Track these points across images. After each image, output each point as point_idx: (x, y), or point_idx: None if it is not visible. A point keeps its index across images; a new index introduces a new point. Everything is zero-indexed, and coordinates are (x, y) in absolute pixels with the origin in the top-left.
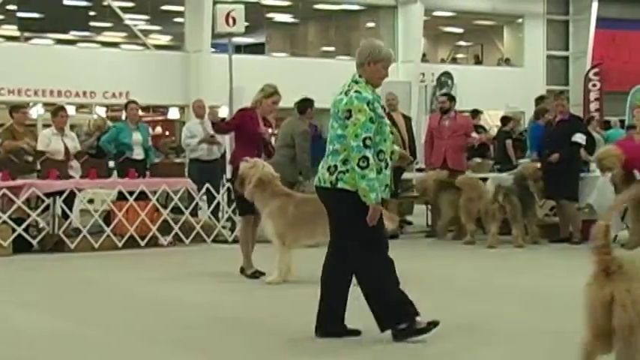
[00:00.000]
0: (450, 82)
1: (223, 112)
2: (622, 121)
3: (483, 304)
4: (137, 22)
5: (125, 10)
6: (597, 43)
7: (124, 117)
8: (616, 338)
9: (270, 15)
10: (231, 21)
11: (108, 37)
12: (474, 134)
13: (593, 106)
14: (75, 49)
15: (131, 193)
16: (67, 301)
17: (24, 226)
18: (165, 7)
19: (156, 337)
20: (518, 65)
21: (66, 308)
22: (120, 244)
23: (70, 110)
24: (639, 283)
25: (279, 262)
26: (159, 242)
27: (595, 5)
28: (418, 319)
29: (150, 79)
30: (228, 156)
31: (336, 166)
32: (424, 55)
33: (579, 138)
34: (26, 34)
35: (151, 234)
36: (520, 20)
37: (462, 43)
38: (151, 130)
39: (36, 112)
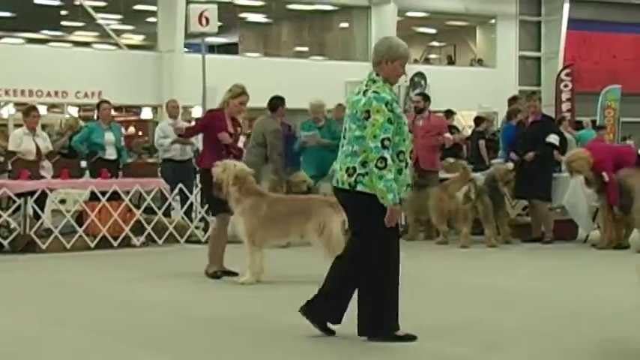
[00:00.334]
0: (423, 82)
1: (197, 112)
2: (594, 122)
3: (457, 304)
4: (109, 21)
5: (97, 9)
6: (569, 44)
7: (96, 117)
8: None
9: (243, 15)
10: (204, 21)
11: (80, 36)
12: (448, 134)
13: (564, 106)
14: (46, 49)
15: (103, 194)
16: (39, 302)
17: None
18: (137, 7)
19: (128, 337)
20: (491, 66)
21: (37, 309)
22: (92, 245)
23: (42, 110)
24: None
25: (251, 262)
26: (132, 243)
27: (567, 6)
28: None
29: (122, 78)
30: None
31: (355, 168)
32: None
33: (553, 139)
34: None
35: (123, 234)
36: (492, 21)
37: (434, 43)
38: (123, 130)
39: (7, 111)
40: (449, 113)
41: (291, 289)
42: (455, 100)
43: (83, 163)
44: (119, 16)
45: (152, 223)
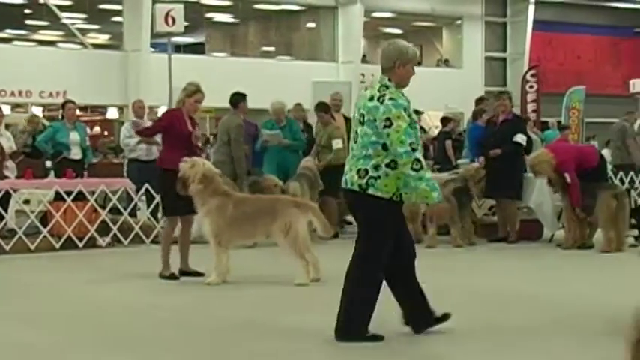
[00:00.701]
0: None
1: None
2: (559, 122)
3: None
4: (74, 20)
5: (62, 8)
6: (534, 45)
7: (61, 117)
8: None
9: (209, 15)
10: (170, 20)
11: (44, 35)
12: None
13: (530, 107)
14: (10, 48)
15: (69, 194)
16: (2, 303)
17: None
18: (103, 6)
19: (92, 338)
20: (457, 66)
21: (0, 310)
22: (57, 246)
23: (6, 110)
24: None
25: (217, 262)
26: (97, 243)
27: (531, 8)
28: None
29: (88, 78)
30: None
31: (367, 171)
32: (364, 55)
33: (520, 138)
34: None
35: (89, 235)
36: (459, 22)
37: None
38: (89, 130)
39: None
40: (416, 113)
41: (257, 290)
42: (421, 100)
43: (48, 164)
44: (84, 16)
45: (118, 224)
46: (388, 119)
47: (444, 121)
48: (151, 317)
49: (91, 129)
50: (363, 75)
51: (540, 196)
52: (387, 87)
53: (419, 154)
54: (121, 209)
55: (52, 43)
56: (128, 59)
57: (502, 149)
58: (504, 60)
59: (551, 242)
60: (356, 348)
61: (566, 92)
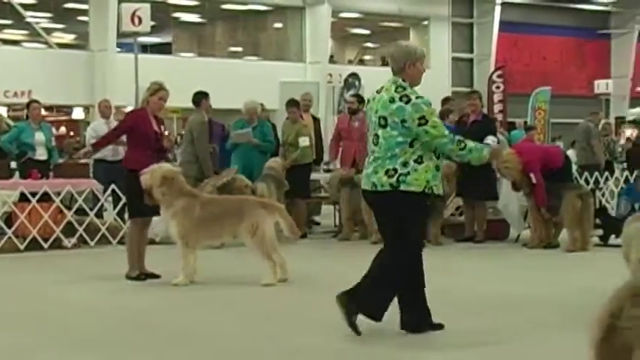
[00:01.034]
0: (357, 83)
1: None
2: (526, 123)
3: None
4: (39, 19)
5: (26, 7)
6: (500, 45)
7: (26, 117)
8: None
9: (176, 14)
10: (136, 20)
11: (9, 34)
12: None
13: (497, 107)
14: None
15: (34, 194)
16: None
17: None
18: (68, 5)
19: (58, 339)
20: (424, 67)
21: None
22: (22, 247)
23: None
24: None
25: (184, 263)
26: (63, 244)
27: (498, 9)
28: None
29: (53, 78)
30: None
31: (395, 169)
32: (332, 56)
33: (491, 140)
34: None
35: (54, 236)
36: (426, 23)
37: (369, 44)
38: (54, 130)
39: None
40: None
41: (224, 290)
42: None
43: (13, 164)
44: (49, 15)
45: (84, 225)
46: (422, 117)
47: None
48: (117, 318)
49: (57, 129)
50: (330, 75)
51: (507, 197)
52: (404, 88)
53: (456, 136)
54: (87, 210)
55: (16, 43)
56: (94, 59)
57: None
58: (471, 61)
59: (518, 242)
60: (327, 349)
61: (532, 93)
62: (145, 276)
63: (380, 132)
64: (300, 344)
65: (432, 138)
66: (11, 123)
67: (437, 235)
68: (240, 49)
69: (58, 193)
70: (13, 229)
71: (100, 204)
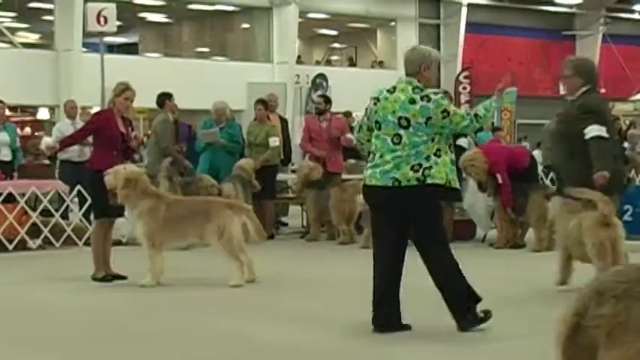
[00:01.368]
0: (324, 83)
1: None
2: (493, 123)
3: (356, 303)
4: (3, 19)
5: None
6: (467, 46)
7: None
8: None
9: (143, 14)
10: (102, 20)
11: None
12: (349, 135)
13: (463, 108)
14: None
15: None
16: None
17: None
18: (33, 5)
19: (21, 341)
20: (392, 68)
21: None
22: None
23: None
24: None
25: (151, 264)
26: (27, 246)
27: (464, 10)
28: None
29: (18, 78)
30: None
31: (420, 164)
32: (299, 56)
33: (463, 142)
34: None
35: (19, 237)
36: (393, 23)
37: (336, 45)
38: (19, 130)
39: None
40: (347, 114)
41: (192, 291)
42: (356, 101)
43: None
44: (13, 14)
45: (49, 226)
46: (444, 110)
47: None
48: (82, 319)
49: (21, 130)
50: (297, 76)
51: (473, 197)
52: (421, 89)
53: (468, 112)
54: (53, 211)
55: None
56: (59, 59)
57: None
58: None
59: (484, 242)
60: (295, 349)
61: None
62: (111, 277)
63: (402, 132)
64: (268, 344)
65: (457, 124)
66: None
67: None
68: (207, 49)
69: (23, 194)
70: None
71: (65, 205)
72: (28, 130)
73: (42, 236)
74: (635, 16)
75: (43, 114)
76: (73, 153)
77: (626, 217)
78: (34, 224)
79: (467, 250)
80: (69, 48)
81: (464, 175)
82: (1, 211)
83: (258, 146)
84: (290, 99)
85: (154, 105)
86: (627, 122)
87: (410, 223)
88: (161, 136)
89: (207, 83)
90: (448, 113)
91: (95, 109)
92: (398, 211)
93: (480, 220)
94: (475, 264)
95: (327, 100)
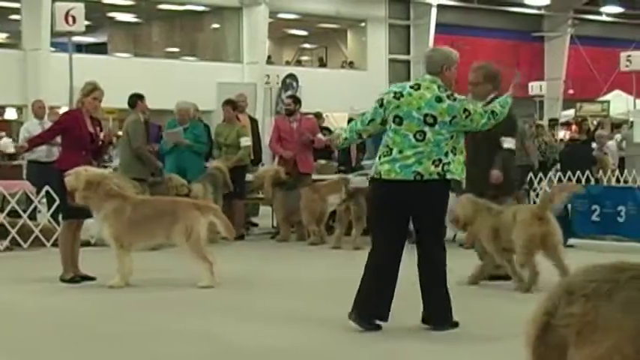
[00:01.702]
0: (294, 84)
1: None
2: None
3: (327, 302)
4: None
5: None
6: None
7: None
8: None
9: (112, 14)
10: (70, 19)
11: None
12: (319, 135)
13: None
14: None
15: None
16: None
17: None
18: (0, 4)
19: None
20: (362, 68)
21: None
22: None
23: None
24: None
25: (120, 265)
26: None
27: (434, 11)
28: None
29: None
30: None
31: (440, 160)
32: (269, 57)
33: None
34: None
35: None
36: (363, 24)
37: (306, 45)
38: None
39: None
40: (318, 116)
41: (161, 292)
42: (327, 102)
43: None
44: None
45: (17, 227)
46: (466, 110)
47: (350, 122)
48: (49, 321)
49: None
50: (268, 76)
51: None
52: (445, 88)
53: (485, 109)
54: (20, 212)
55: None
56: (27, 58)
57: None
58: (408, 62)
59: (455, 242)
60: (264, 349)
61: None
62: (79, 278)
63: (427, 129)
64: (237, 344)
65: (477, 123)
66: None
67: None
68: (177, 49)
69: None
70: None
71: (33, 206)
72: None
73: (9, 237)
74: (603, 17)
75: (10, 114)
76: (41, 153)
77: (594, 218)
78: (2, 225)
79: None
80: (37, 47)
81: None
82: None
83: (230, 147)
84: (260, 99)
85: (123, 105)
86: (595, 123)
87: (415, 220)
88: (133, 137)
89: (177, 83)
90: (470, 113)
91: (64, 109)
92: (413, 205)
93: (449, 220)
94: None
95: (297, 101)
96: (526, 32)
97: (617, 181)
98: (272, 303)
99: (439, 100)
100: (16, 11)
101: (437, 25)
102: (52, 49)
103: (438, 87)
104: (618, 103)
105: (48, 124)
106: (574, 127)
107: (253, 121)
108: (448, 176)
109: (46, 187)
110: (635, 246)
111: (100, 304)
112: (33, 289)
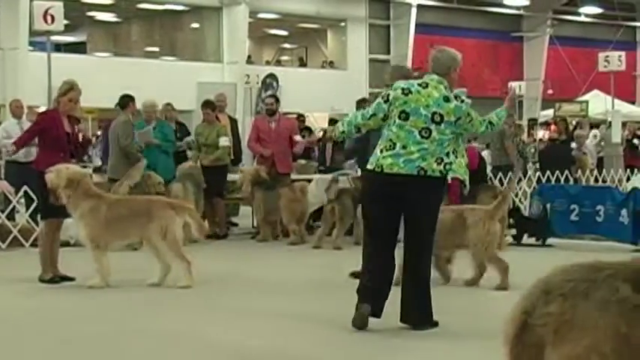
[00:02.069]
0: (275, 83)
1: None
2: None
3: (307, 301)
4: None
5: None
6: (417, 47)
7: None
8: None
9: (91, 13)
10: (49, 18)
11: None
12: (298, 136)
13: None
14: None
15: None
16: None
17: None
18: None
19: None
20: (342, 68)
21: None
22: None
23: None
24: None
25: (98, 265)
26: None
27: (414, 11)
28: None
29: None
30: None
31: (442, 159)
32: (249, 56)
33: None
34: None
35: None
36: (343, 24)
37: (286, 45)
38: None
39: None
40: (301, 119)
41: (140, 292)
42: (307, 101)
43: None
44: None
45: None
46: (469, 114)
47: (332, 123)
48: (29, 321)
49: None
50: (248, 76)
51: None
52: (450, 89)
53: (483, 119)
54: None
55: None
56: (5, 57)
57: None
58: (388, 62)
59: None
60: (248, 349)
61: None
62: (59, 278)
63: (433, 127)
64: (218, 343)
65: (476, 128)
66: None
67: (358, 237)
68: (156, 49)
69: None
70: None
71: (11, 206)
72: None
73: None
74: (581, 18)
75: None
76: (20, 153)
77: (573, 217)
78: None
79: None
80: (15, 47)
81: None
82: None
83: (210, 147)
84: (240, 99)
85: (102, 105)
86: (574, 123)
87: (407, 217)
88: (124, 137)
89: (156, 83)
90: (472, 118)
91: (42, 109)
92: (410, 200)
93: None
94: None
95: (277, 100)
96: (505, 32)
97: (596, 180)
98: (252, 302)
99: (447, 99)
100: None
101: (417, 25)
102: (31, 48)
103: (445, 87)
104: (597, 103)
105: (26, 124)
106: (553, 126)
107: (233, 121)
108: (450, 175)
109: (25, 187)
110: (613, 245)
111: (79, 304)
112: (12, 289)
